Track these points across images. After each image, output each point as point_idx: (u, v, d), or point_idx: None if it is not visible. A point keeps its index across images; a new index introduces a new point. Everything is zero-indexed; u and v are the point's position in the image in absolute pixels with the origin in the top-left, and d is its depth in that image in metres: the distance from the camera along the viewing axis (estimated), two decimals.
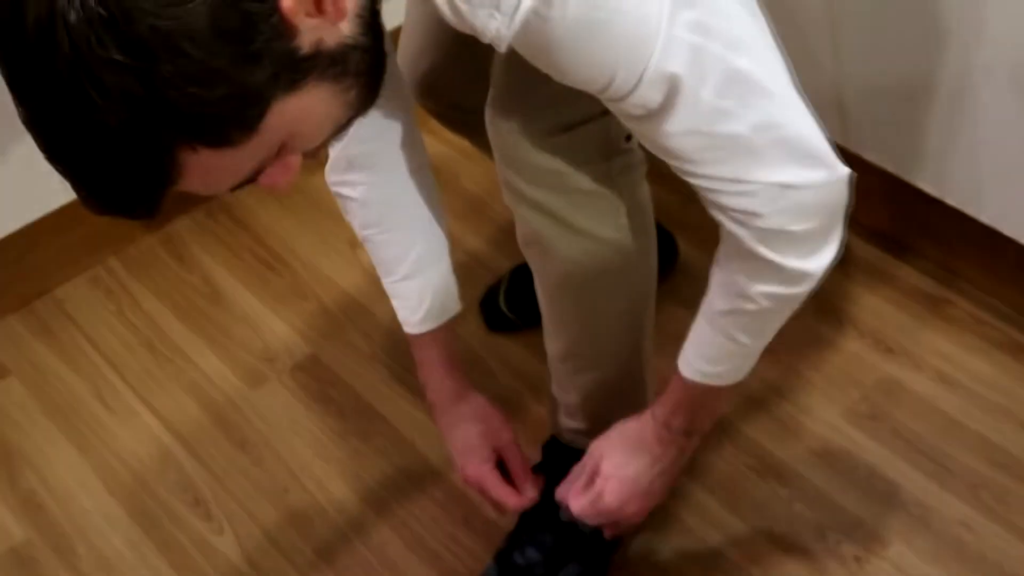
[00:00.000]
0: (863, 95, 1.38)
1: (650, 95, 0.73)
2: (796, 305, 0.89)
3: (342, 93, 0.71)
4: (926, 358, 1.38)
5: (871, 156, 1.42)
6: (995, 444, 1.29)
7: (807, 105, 0.77)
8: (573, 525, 1.11)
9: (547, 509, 1.15)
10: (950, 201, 1.36)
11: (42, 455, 1.39)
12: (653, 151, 0.80)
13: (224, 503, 1.32)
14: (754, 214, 0.79)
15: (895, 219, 1.50)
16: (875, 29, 1.31)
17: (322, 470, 1.35)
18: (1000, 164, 1.28)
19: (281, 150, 0.70)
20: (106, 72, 0.59)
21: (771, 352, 1.36)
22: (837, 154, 0.79)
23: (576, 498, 1.04)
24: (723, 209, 0.80)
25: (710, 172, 0.78)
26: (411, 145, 1.05)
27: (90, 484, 1.36)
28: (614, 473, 1.03)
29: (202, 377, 1.47)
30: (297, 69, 0.66)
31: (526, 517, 1.18)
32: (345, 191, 1.05)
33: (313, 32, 0.65)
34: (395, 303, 1.10)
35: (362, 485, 1.33)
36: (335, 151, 1.05)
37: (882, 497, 1.26)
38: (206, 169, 0.66)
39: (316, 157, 0.75)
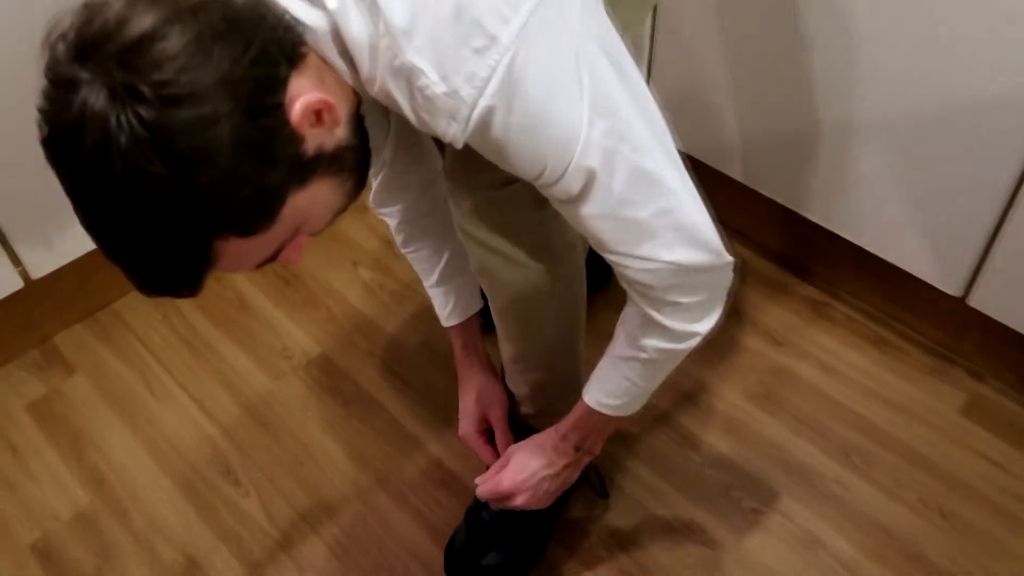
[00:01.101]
0: (762, 144, 1.40)
1: (572, 184, 0.74)
2: (681, 358, 0.90)
3: (340, 185, 0.72)
4: (810, 350, 1.41)
5: (769, 192, 1.44)
6: (863, 417, 1.32)
7: (700, 200, 0.77)
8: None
9: None
10: (831, 227, 1.39)
11: (102, 436, 1.39)
12: (578, 230, 0.80)
13: (250, 473, 1.32)
14: (650, 286, 0.80)
15: (788, 242, 1.52)
16: (769, 93, 1.34)
17: (330, 446, 1.35)
18: (871, 199, 1.30)
19: (295, 233, 0.70)
20: (152, 183, 0.59)
21: None
22: (726, 244, 0.79)
23: (484, 483, 1.05)
24: (628, 281, 0.81)
25: (619, 249, 0.78)
26: (433, 187, 1.07)
27: (141, 459, 1.36)
28: (514, 469, 1.04)
29: (232, 372, 1.47)
30: (305, 169, 0.67)
31: None
32: (386, 219, 1.09)
33: (315, 139, 0.67)
34: (432, 302, 1.13)
35: (362, 458, 1.33)
36: (376, 185, 1.07)
37: (774, 461, 1.28)
38: (237, 254, 0.67)
39: (319, 235, 0.76)
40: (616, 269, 0.81)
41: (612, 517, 1.23)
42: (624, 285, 0.83)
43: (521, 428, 1.16)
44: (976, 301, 1.25)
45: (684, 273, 0.78)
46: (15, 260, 1.40)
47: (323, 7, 0.68)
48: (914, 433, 1.29)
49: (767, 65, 1.31)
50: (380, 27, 0.67)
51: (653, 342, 0.86)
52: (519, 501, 1.04)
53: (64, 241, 1.44)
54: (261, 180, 0.64)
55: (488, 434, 1.17)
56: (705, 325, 0.85)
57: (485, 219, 0.92)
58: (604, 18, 0.75)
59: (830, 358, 1.39)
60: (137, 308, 1.57)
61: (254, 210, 0.65)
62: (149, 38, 0.59)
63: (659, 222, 0.76)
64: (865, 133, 1.24)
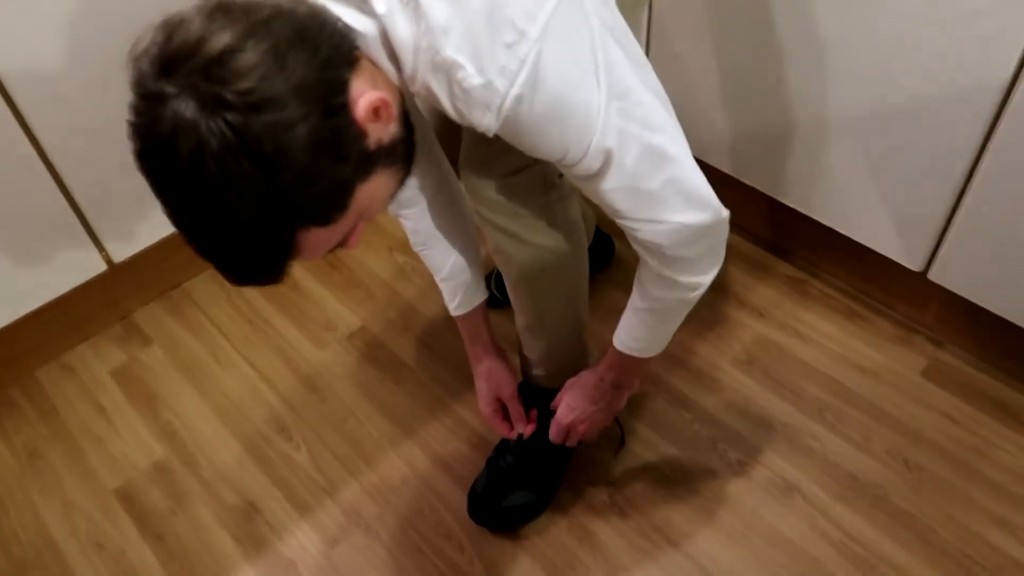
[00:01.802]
0: (746, 139, 1.40)
1: (592, 163, 0.73)
2: (691, 305, 0.90)
3: (394, 174, 0.71)
4: (788, 322, 1.40)
5: (753, 182, 1.43)
6: (836, 380, 1.31)
7: (696, 164, 0.77)
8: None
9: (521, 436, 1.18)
10: (809, 213, 1.38)
11: (175, 397, 1.41)
12: (594, 201, 0.79)
13: (301, 429, 1.33)
14: (660, 245, 0.79)
15: (770, 226, 1.52)
16: (752, 94, 1.33)
17: (368, 406, 1.36)
18: (843, 186, 1.29)
19: (358, 220, 0.70)
20: (243, 182, 0.58)
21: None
22: (719, 201, 0.79)
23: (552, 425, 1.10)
24: (640, 243, 0.81)
25: (632, 215, 0.77)
26: (445, 189, 1.06)
27: (208, 418, 1.37)
28: (565, 411, 1.08)
29: (285, 342, 1.48)
30: (369, 161, 0.66)
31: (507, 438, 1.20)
32: (402, 221, 1.08)
33: (375, 133, 0.66)
34: (443, 294, 1.12)
35: (396, 416, 1.34)
36: None
37: (756, 418, 1.27)
38: (314, 242, 0.65)
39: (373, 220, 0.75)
40: (628, 232, 0.80)
41: (614, 467, 1.24)
42: (635, 246, 0.83)
43: (533, 390, 1.17)
44: (935, 275, 1.24)
45: (689, 231, 0.78)
46: (99, 247, 1.43)
47: (373, 14, 0.67)
48: (881, 393, 1.28)
49: (750, 69, 1.30)
50: (422, 27, 0.66)
51: (664, 293, 0.87)
52: (581, 429, 1.09)
53: (141, 229, 1.46)
54: (335, 173, 0.63)
55: (503, 409, 1.17)
56: (708, 276, 0.85)
57: (498, 204, 0.92)
58: (612, 2, 0.74)
59: (806, 328, 1.38)
60: (205, 288, 1.59)
61: (330, 201, 0.64)
62: (230, 52, 0.58)
63: (668, 190, 0.75)
64: (837, 128, 1.24)
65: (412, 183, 1.04)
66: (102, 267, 1.44)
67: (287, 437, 1.33)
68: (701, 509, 1.18)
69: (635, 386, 1.07)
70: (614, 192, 0.75)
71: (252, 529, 1.22)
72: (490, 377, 1.15)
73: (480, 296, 1.12)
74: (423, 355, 1.43)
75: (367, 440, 1.31)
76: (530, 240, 0.94)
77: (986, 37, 1.01)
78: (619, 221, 0.79)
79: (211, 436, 1.35)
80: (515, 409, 1.16)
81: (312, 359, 1.44)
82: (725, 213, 0.80)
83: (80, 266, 1.42)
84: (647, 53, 1.44)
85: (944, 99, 1.08)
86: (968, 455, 1.20)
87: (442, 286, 1.11)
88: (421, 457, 1.28)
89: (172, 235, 1.51)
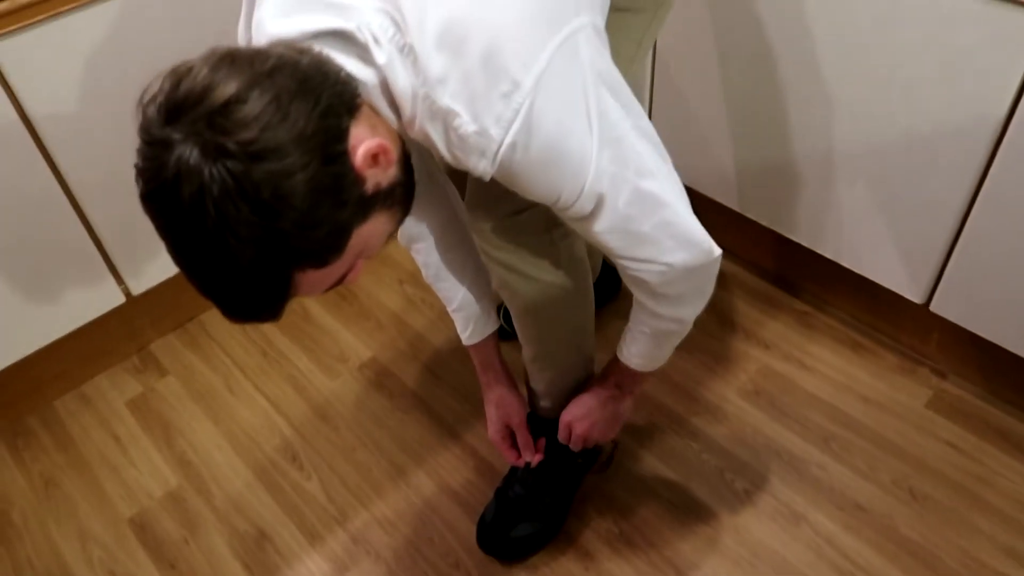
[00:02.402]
0: (751, 176, 1.41)
1: (584, 206, 0.74)
2: (681, 335, 0.93)
3: (392, 216, 0.72)
4: (793, 353, 1.40)
5: (758, 218, 1.45)
6: (840, 410, 1.31)
7: (689, 206, 0.78)
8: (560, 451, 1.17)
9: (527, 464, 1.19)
10: (814, 248, 1.39)
11: (190, 427, 1.42)
12: (589, 240, 0.81)
13: (312, 458, 1.34)
14: (647, 283, 0.82)
15: (776, 261, 1.53)
16: (757, 132, 1.35)
17: (378, 435, 1.36)
18: (847, 221, 1.30)
19: (356, 259, 0.70)
20: (241, 227, 0.59)
21: (688, 351, 1.40)
22: (711, 240, 0.80)
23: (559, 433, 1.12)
24: (629, 278, 0.83)
25: (624, 254, 0.79)
26: (453, 225, 1.06)
27: (222, 446, 1.38)
28: (573, 409, 1.10)
29: (298, 372, 1.49)
30: (367, 205, 0.67)
31: (515, 467, 1.21)
32: (414, 255, 1.09)
33: (373, 178, 0.67)
34: (456, 324, 1.13)
35: (405, 445, 1.34)
36: (405, 224, 1.05)
37: (762, 448, 1.27)
38: (312, 283, 0.67)
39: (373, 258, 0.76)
40: (620, 269, 0.83)
41: (622, 496, 1.24)
42: (625, 280, 0.85)
43: (540, 421, 1.17)
44: (937, 307, 1.25)
45: (675, 272, 0.80)
46: (119, 279, 1.45)
47: (374, 64, 0.69)
48: (886, 424, 1.28)
49: (753, 108, 1.32)
50: (420, 77, 0.68)
51: (652, 323, 0.90)
52: (579, 428, 1.09)
53: (159, 263, 1.48)
54: (333, 218, 0.64)
55: (512, 437, 1.18)
56: (691, 312, 0.88)
57: (503, 242, 0.93)
58: (607, 54, 0.75)
59: (811, 360, 1.39)
60: (220, 320, 1.60)
61: (328, 245, 0.65)
62: (234, 102, 0.59)
63: (659, 232, 0.77)
64: (839, 164, 1.25)
65: (421, 219, 1.05)
66: (120, 299, 1.46)
67: (298, 466, 1.34)
68: (708, 538, 1.17)
69: (635, 391, 1.09)
70: (606, 233, 0.76)
71: (263, 557, 1.22)
72: (500, 404, 1.16)
73: (491, 326, 1.13)
74: (432, 385, 1.44)
75: (377, 469, 1.32)
76: (534, 276, 0.96)
77: (981, 74, 1.03)
78: (613, 259, 0.81)
79: (224, 465, 1.35)
80: (523, 437, 1.16)
81: (324, 389, 1.45)
82: (717, 252, 0.81)
83: (99, 298, 1.44)
84: (651, 91, 1.47)
85: (942, 135, 1.11)
86: (973, 484, 1.20)
87: (454, 316, 1.12)
88: (430, 485, 1.28)
89: None
